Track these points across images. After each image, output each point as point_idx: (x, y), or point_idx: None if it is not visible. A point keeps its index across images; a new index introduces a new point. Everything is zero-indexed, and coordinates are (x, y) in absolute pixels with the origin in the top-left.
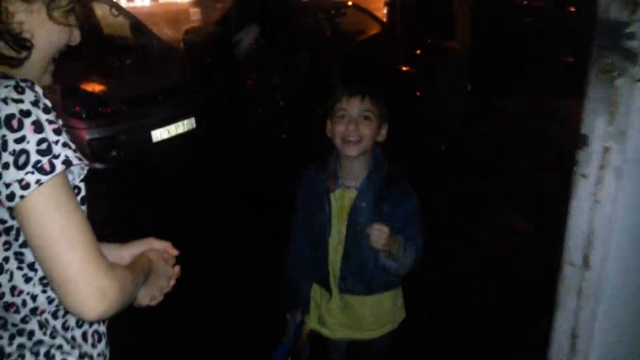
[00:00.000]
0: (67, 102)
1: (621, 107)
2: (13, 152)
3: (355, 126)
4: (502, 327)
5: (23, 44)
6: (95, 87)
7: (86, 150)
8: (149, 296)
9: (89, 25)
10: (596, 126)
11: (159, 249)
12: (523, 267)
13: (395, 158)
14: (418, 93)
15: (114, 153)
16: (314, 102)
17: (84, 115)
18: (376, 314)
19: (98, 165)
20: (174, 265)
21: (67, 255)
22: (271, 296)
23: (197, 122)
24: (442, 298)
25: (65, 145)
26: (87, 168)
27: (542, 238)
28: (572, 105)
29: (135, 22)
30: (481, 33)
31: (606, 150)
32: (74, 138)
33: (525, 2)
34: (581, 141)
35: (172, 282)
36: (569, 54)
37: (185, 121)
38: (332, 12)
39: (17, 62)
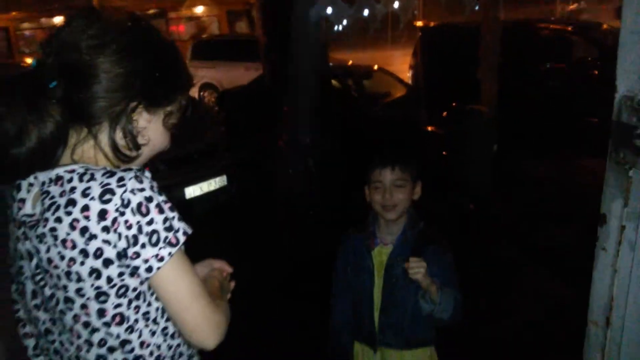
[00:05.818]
0: None
1: (634, 193)
2: (147, 234)
3: (390, 194)
4: None
5: (138, 145)
6: None
7: None
8: None
9: None
10: (613, 207)
11: (217, 267)
12: (558, 330)
13: (424, 217)
14: (444, 152)
15: None
16: (344, 164)
17: None
18: None
19: None
20: (229, 281)
21: (195, 306)
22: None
23: (228, 180)
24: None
25: (180, 219)
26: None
27: (575, 300)
28: (596, 165)
29: None
30: (507, 97)
31: (622, 228)
32: None
33: (548, 66)
34: (601, 220)
35: (229, 296)
36: (592, 115)
37: (218, 179)
38: (359, 75)
39: (129, 160)
